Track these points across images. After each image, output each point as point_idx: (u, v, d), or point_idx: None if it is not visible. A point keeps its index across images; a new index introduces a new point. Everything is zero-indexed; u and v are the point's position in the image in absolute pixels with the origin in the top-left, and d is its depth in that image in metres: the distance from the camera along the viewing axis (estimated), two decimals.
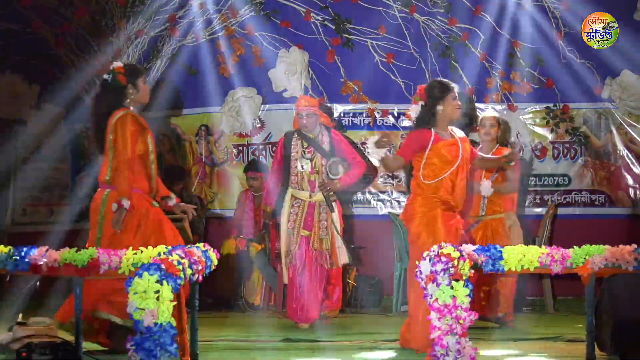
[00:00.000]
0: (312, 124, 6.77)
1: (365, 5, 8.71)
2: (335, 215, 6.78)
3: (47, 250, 4.48)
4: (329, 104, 8.63)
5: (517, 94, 8.67)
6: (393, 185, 8.80)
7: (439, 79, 5.91)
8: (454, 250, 4.14)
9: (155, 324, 3.79)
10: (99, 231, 5.09)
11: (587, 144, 8.67)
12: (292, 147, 6.80)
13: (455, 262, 4.08)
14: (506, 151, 6.34)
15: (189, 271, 4.14)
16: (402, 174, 8.73)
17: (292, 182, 6.80)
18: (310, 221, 6.73)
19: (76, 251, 4.44)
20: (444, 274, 4.05)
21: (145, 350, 3.77)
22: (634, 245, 4.39)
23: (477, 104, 8.59)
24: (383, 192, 8.80)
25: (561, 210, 8.54)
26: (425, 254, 4.19)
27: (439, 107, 5.36)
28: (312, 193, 6.75)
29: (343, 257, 6.80)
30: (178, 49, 8.94)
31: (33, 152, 9.64)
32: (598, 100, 8.64)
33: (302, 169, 6.77)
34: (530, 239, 7.72)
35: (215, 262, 4.60)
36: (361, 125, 8.82)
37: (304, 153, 6.80)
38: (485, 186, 6.72)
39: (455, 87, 5.45)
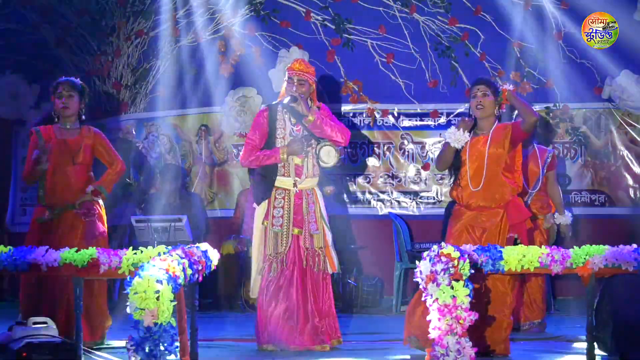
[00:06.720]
0: (303, 93, 5.41)
1: (365, 5, 8.71)
2: (322, 201, 5.54)
3: (47, 250, 4.48)
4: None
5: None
6: (393, 185, 8.79)
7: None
8: (454, 250, 4.15)
9: (155, 324, 3.78)
10: None
11: (587, 144, 8.66)
12: (278, 122, 5.46)
13: (455, 262, 4.08)
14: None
15: (189, 271, 4.14)
16: (402, 174, 8.73)
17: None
18: (299, 215, 5.42)
19: (76, 251, 4.44)
20: (444, 274, 4.05)
21: (145, 350, 3.76)
22: (634, 245, 4.40)
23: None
24: (383, 192, 8.79)
25: None
26: (425, 254, 4.21)
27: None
28: (297, 180, 5.42)
29: (336, 261, 5.48)
30: (178, 49, 8.95)
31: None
32: (598, 100, 8.63)
33: None
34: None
35: (215, 262, 4.61)
36: (361, 125, 8.81)
37: (292, 131, 5.48)
38: None
39: (479, 83, 5.33)
